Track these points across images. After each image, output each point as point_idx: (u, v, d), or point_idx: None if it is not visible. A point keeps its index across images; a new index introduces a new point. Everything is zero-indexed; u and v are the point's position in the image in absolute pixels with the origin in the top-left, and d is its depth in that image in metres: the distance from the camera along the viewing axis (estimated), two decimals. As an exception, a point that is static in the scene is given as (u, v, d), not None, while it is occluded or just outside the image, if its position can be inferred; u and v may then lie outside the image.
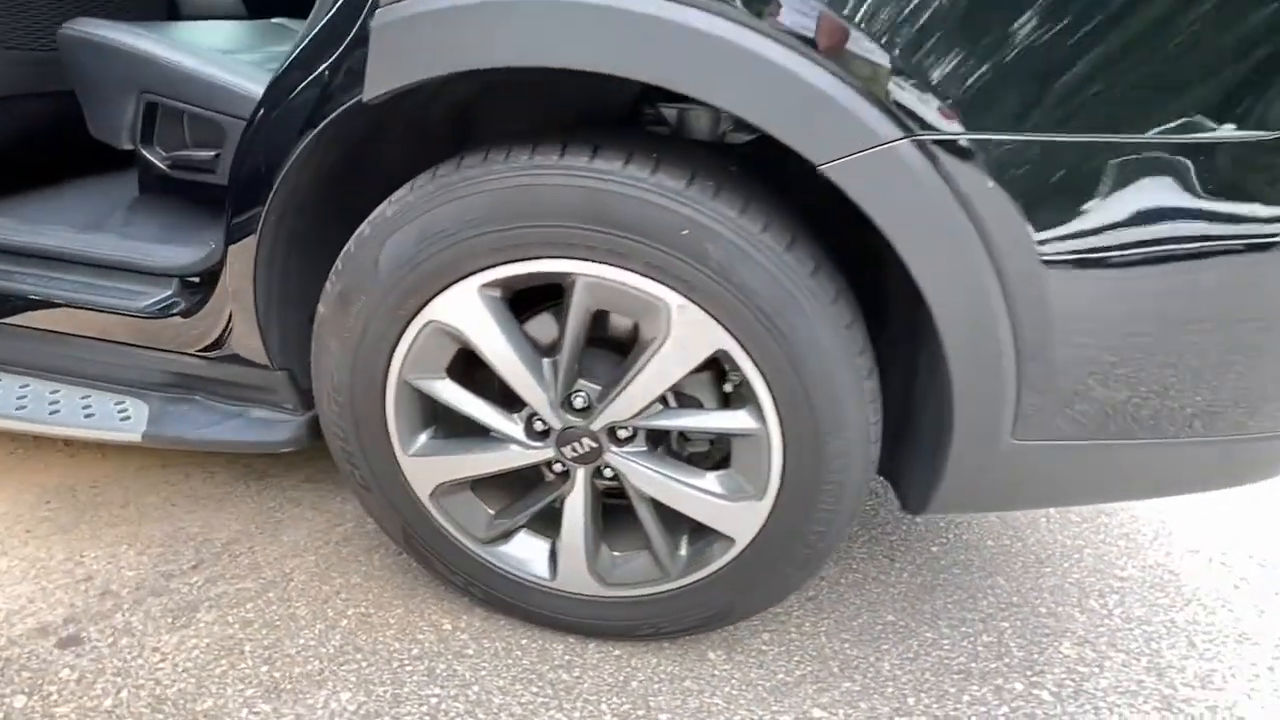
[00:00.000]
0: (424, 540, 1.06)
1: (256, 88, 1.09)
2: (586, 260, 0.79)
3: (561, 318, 0.90)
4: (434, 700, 0.99)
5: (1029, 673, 1.11)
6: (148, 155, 1.19)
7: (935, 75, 0.63)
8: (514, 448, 0.96)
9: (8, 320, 1.13)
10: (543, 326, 1.02)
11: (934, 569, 1.33)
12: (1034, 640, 1.18)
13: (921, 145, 0.63)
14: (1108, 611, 1.25)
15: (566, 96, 1.03)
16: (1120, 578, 1.34)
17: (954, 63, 0.63)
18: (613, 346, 0.98)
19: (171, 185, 1.24)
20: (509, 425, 0.95)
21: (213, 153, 1.14)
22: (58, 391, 1.16)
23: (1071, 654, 1.16)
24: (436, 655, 1.06)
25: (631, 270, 0.78)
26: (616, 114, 1.05)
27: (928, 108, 0.63)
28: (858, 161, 0.64)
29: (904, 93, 0.63)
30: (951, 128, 0.63)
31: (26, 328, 1.14)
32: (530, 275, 0.82)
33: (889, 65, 0.63)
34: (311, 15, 0.84)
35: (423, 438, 0.99)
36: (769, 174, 0.92)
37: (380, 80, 0.75)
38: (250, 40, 1.38)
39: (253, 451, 1.12)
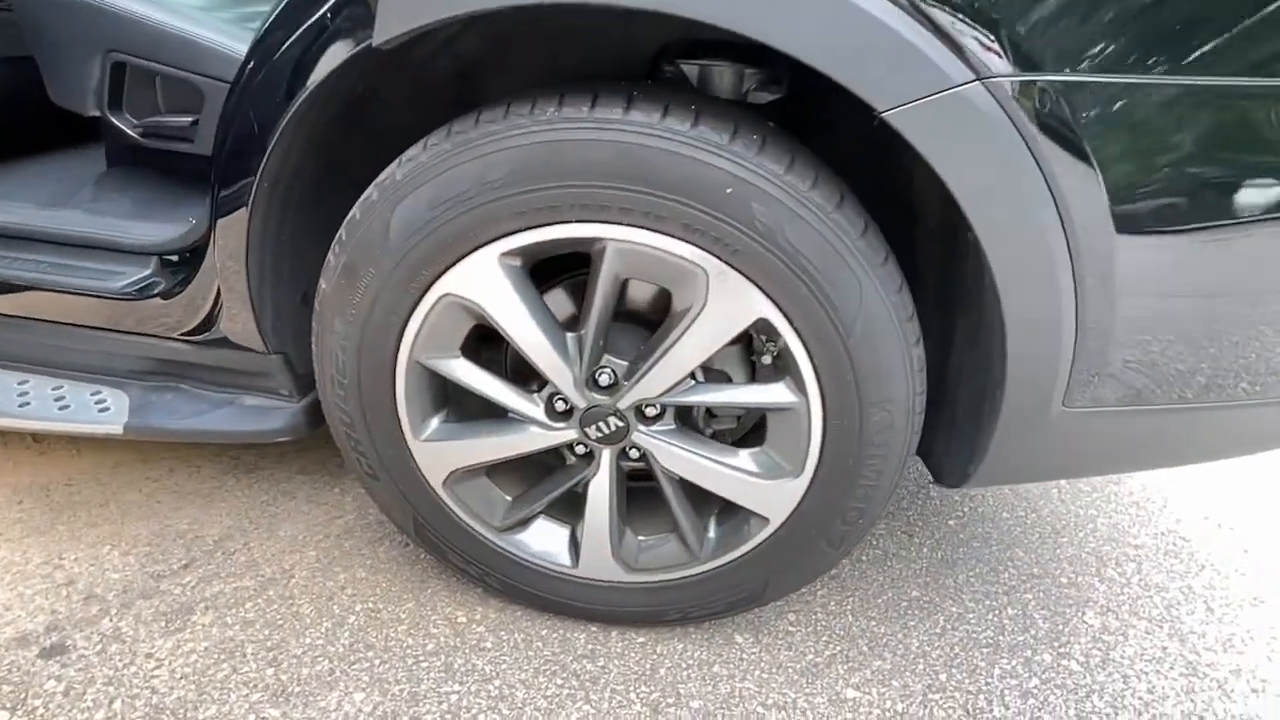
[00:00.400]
0: (437, 530, 1.00)
1: (238, 45, 1.01)
2: (618, 224, 0.73)
3: (581, 290, 0.85)
4: (454, 698, 0.94)
5: (1056, 644, 1.10)
6: (116, 123, 1.09)
7: (1011, 8, 0.58)
8: (534, 429, 0.91)
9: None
10: (556, 303, 0.96)
11: (953, 543, 1.31)
12: (1058, 611, 1.17)
13: (994, 88, 0.59)
14: (1126, 580, 1.25)
15: (579, 54, 0.96)
16: (1135, 545, 1.34)
17: None
18: (635, 319, 0.93)
19: (143, 156, 1.14)
20: (529, 406, 0.89)
21: (189, 119, 1.05)
22: (26, 382, 1.07)
23: (1095, 623, 1.15)
24: (453, 650, 1.01)
25: (667, 234, 0.73)
26: (632, 73, 0.99)
27: (1002, 46, 0.58)
28: (924, 107, 0.59)
29: (976, 30, 0.58)
30: (1027, 68, 0.58)
31: (-13, 313, 1.04)
32: (556, 242, 0.76)
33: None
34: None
35: (435, 422, 0.92)
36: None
37: (395, 21, 0.67)
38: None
39: (246, 442, 1.05)
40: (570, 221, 0.74)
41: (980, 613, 1.15)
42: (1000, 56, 0.59)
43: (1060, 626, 1.14)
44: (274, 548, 1.17)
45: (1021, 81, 0.59)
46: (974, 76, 0.59)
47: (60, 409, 1.04)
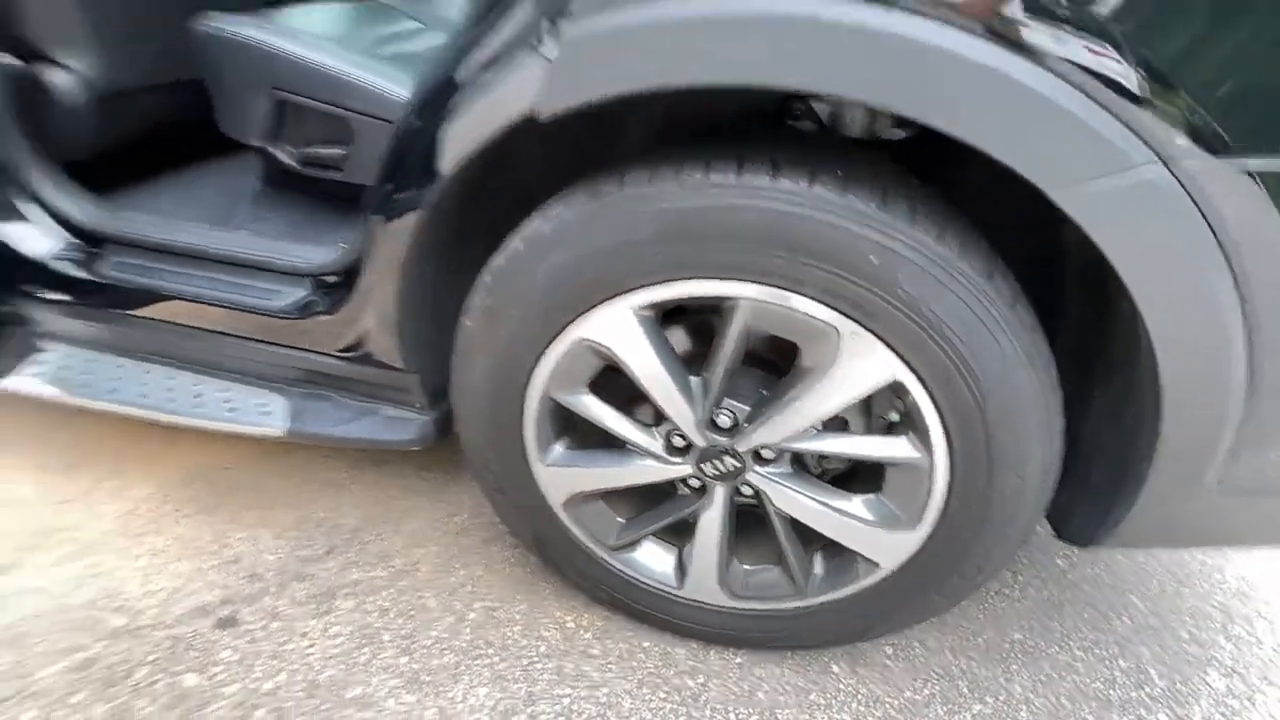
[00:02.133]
0: (554, 546, 1.07)
1: (392, 85, 1.08)
2: (756, 283, 0.75)
3: (700, 329, 0.87)
4: (566, 700, 1.02)
5: (1173, 704, 1.06)
6: (277, 154, 1.19)
7: (1197, 88, 0.55)
8: (651, 462, 0.95)
9: (149, 313, 1.17)
10: (675, 339, 0.99)
11: (1061, 584, 1.27)
12: (1176, 668, 1.12)
13: (1177, 170, 0.56)
14: (1256, 640, 1.18)
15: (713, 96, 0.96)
16: (1265, 602, 1.25)
17: (1223, 74, 0.54)
18: (758, 362, 0.94)
19: (296, 180, 1.25)
20: (649, 440, 0.93)
21: (342, 150, 1.14)
22: (200, 384, 1.21)
23: (1220, 686, 1.09)
24: (564, 654, 1.08)
25: (804, 295, 0.74)
26: (759, 109, 0.98)
27: (1187, 127, 0.55)
28: (1100, 188, 0.57)
29: (1159, 109, 0.55)
30: (1214, 150, 0.54)
31: (170, 322, 1.18)
32: (691, 297, 0.79)
33: (1144, 77, 0.55)
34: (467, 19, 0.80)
35: (558, 448, 0.98)
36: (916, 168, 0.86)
37: (562, 94, 0.70)
38: (360, 24, 1.35)
39: (385, 449, 1.15)
40: (708, 279, 0.76)
41: (1089, 663, 1.12)
42: (1189, 135, 0.56)
43: (1179, 685, 1.09)
44: (401, 541, 1.28)
45: (1209, 163, 0.55)
46: (1156, 157, 0.56)
47: (229, 410, 1.17)
